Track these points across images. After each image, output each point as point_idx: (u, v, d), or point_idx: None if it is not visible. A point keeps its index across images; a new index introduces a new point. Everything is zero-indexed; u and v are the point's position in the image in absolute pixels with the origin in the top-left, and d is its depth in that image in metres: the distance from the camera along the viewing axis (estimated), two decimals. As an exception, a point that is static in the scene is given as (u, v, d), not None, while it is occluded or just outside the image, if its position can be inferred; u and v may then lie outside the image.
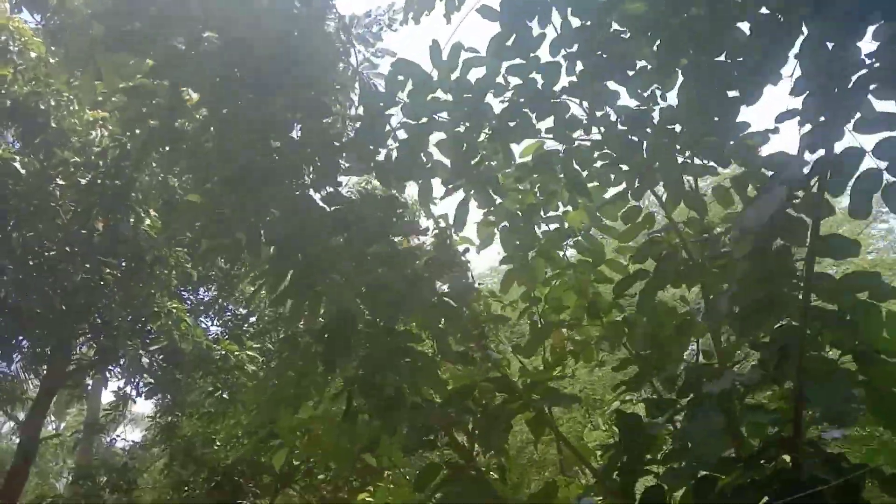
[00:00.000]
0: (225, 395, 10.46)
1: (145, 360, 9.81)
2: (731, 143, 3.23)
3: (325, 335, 3.49)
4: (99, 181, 8.52)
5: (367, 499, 9.29)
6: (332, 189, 3.65)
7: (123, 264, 9.31)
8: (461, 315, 3.35)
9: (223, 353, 10.48)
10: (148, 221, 9.38)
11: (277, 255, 3.70)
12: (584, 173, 3.94)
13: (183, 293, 11.59)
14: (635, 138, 3.59)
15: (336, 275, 3.72)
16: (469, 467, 3.14)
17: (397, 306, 3.36)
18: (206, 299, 14.54)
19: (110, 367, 11.74)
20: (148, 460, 17.44)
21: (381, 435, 3.91)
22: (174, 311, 9.59)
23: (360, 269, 3.58)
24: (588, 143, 3.79)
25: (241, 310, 14.79)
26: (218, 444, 15.53)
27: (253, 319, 14.23)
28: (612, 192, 4.05)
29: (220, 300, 14.38)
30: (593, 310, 3.99)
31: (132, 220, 9.01)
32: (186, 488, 15.42)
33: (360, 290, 3.55)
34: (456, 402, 3.19)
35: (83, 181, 8.83)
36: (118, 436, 18.16)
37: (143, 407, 23.54)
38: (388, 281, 3.52)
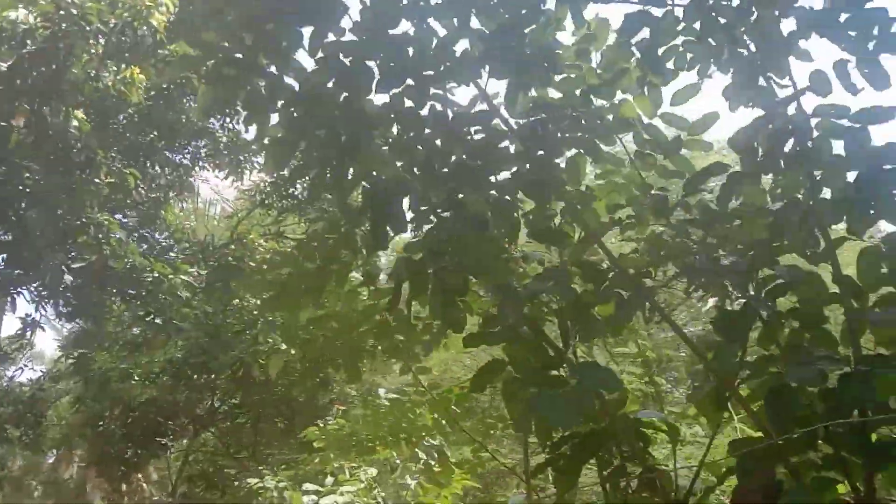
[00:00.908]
0: (158, 321, 9.55)
1: (68, 278, 8.76)
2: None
3: (372, 207, 2.86)
4: (25, 66, 7.39)
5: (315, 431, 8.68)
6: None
7: (49, 166, 8.20)
8: (543, 188, 2.77)
9: (156, 275, 9.55)
10: (77, 120, 8.29)
11: (307, 111, 3.02)
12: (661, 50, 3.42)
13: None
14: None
15: (380, 139, 3.08)
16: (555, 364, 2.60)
17: (468, 174, 2.76)
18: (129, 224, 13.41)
19: (20, 289, 10.57)
20: (55, 394, 16.18)
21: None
22: (105, 223, 8.56)
23: (413, 130, 2.96)
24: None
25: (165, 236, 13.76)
26: (136, 378, 14.55)
27: (181, 247, 13.23)
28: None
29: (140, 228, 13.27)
30: (659, 206, 3.48)
31: (62, 115, 7.92)
32: (101, 424, 14.43)
33: (415, 156, 2.93)
34: (541, 285, 2.63)
35: (3, 66, 7.65)
36: (26, 365, 16.76)
37: (43, 342, 21.93)
38: (450, 147, 2.91)
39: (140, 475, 16.41)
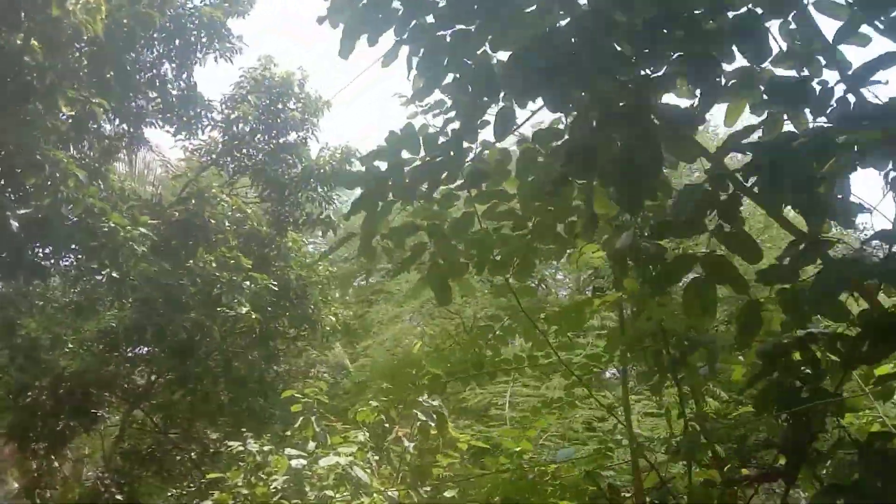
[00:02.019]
0: (115, 275, 8.70)
1: (14, 225, 7.83)
2: None
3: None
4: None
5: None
6: None
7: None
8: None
9: (112, 225, 8.69)
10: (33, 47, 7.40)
11: None
12: None
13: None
14: None
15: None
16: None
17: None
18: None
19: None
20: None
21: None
22: (63, 161, 7.67)
23: None
24: None
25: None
26: (70, 346, 13.48)
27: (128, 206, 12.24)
28: None
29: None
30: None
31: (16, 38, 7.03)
32: (29, 394, 13.30)
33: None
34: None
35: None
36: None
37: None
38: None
39: (68, 451, 15.33)
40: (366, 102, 52.98)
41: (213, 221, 11.09)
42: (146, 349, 14.29)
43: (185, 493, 11.98)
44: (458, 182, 3.06)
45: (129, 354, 14.75)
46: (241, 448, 7.01)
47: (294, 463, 6.65)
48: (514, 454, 3.53)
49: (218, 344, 13.08)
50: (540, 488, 3.29)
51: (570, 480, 3.35)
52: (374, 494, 6.08)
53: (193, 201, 11.05)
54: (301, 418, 7.76)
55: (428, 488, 7.02)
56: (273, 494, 6.76)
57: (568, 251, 3.13)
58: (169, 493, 12.68)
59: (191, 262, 10.57)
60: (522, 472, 3.44)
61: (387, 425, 7.42)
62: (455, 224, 3.11)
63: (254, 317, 11.20)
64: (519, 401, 8.66)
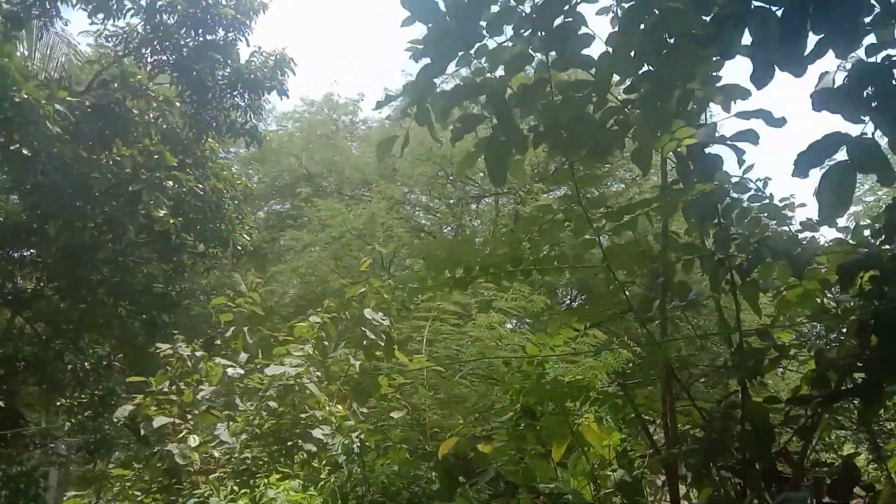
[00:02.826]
0: (26, 152, 7.66)
1: None
2: None
3: None
4: None
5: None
6: None
7: None
8: None
9: (24, 97, 7.62)
10: None
11: None
12: None
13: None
14: None
15: None
16: None
17: None
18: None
19: None
20: None
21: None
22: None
23: None
24: None
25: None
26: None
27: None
28: None
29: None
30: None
31: None
32: None
33: None
34: None
35: None
36: None
37: None
38: None
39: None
40: (308, 10, 50.45)
41: (135, 112, 10.04)
42: (34, 252, 13.08)
43: (76, 403, 11.14)
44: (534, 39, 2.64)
45: (15, 255, 13.48)
46: (169, 351, 6.40)
47: (230, 371, 6.14)
48: (536, 362, 3.23)
49: (123, 249, 12.08)
50: (566, 391, 3.02)
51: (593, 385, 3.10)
52: (327, 408, 5.70)
53: (116, 85, 9.93)
54: (232, 328, 7.23)
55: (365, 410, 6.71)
56: (199, 403, 6.26)
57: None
58: (58, 403, 11.74)
59: (105, 153, 9.54)
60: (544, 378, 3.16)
61: (326, 343, 7.00)
62: (524, 91, 2.71)
63: (171, 222, 10.32)
64: (439, 338, 8.43)
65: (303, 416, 5.62)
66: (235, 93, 13.58)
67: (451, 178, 18.04)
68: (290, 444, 5.45)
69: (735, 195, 2.72)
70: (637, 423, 3.04)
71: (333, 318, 6.93)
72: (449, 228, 20.29)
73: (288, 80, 13.70)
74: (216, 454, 5.61)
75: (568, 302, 18.69)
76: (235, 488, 4.61)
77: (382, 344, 6.52)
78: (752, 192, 2.69)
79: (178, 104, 11.13)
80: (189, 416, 6.13)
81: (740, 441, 2.67)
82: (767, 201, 2.69)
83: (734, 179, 2.77)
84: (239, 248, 14.93)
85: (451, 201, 19.27)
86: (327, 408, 5.84)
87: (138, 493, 5.71)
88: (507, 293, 12.31)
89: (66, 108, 8.35)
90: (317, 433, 5.64)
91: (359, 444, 4.66)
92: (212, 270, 16.68)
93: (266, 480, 4.54)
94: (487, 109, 2.75)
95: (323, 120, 22.21)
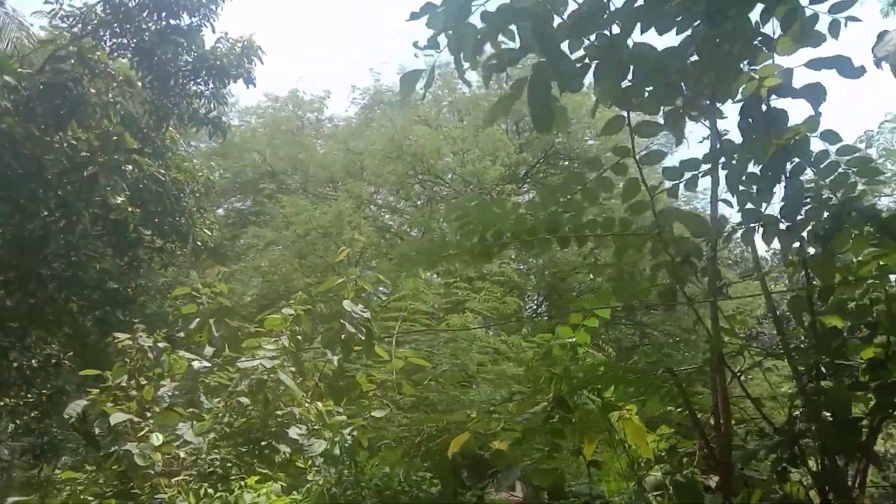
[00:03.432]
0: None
1: None
2: None
3: None
4: None
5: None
6: None
7: None
8: None
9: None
10: None
11: None
12: None
13: None
14: None
15: None
16: None
17: None
18: None
19: None
20: None
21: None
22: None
23: None
24: None
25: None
26: None
27: None
28: None
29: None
30: None
31: None
32: None
33: None
34: None
35: None
36: None
37: None
38: None
39: None
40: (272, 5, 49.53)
41: (93, 91, 9.35)
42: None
43: (21, 404, 10.37)
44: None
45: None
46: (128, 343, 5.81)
47: (196, 365, 5.60)
48: (569, 346, 2.82)
49: (76, 241, 11.32)
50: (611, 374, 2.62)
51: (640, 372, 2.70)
52: (305, 405, 5.19)
53: (72, 61, 9.24)
54: (196, 320, 6.67)
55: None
56: (159, 400, 5.70)
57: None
58: (1, 404, 10.93)
59: (60, 135, 8.85)
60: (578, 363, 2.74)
61: (299, 337, 6.49)
62: (577, 18, 2.29)
63: (129, 210, 9.65)
64: (410, 339, 8.01)
65: (279, 413, 5.09)
66: (199, 80, 12.96)
67: (420, 176, 17.59)
68: (262, 444, 4.92)
69: (822, 146, 2.34)
70: (689, 416, 2.65)
71: (307, 311, 6.42)
72: (416, 231, 19.84)
73: (255, 68, 13.14)
74: (182, 454, 5.05)
75: (534, 307, 18.38)
76: (210, 491, 4.07)
77: (363, 338, 6.04)
78: (842, 144, 2.32)
79: (139, 84, 10.44)
80: (149, 414, 5.55)
81: (821, 435, 2.28)
82: (860, 154, 2.32)
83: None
84: (199, 243, 14.20)
85: (420, 202, 18.83)
86: (305, 405, 5.33)
87: (91, 498, 5.11)
88: (479, 294, 11.92)
89: (16, 80, 7.66)
90: (293, 432, 5.13)
91: (349, 442, 4.16)
92: (169, 267, 15.96)
93: (241, 483, 4.03)
94: (530, 40, 2.32)
95: (288, 116, 21.56)
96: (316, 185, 20.15)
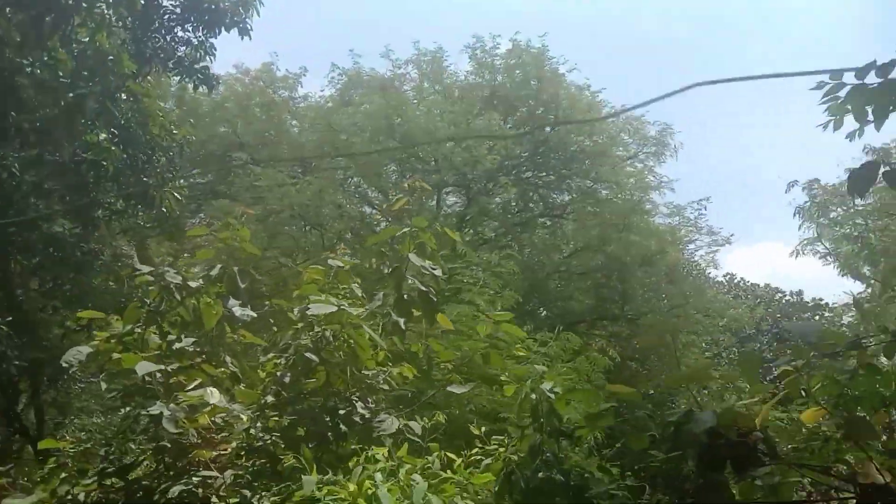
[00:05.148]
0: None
1: None
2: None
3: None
4: None
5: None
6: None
7: None
8: None
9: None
10: None
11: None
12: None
13: None
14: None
15: None
16: None
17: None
18: None
19: None
20: None
21: None
22: None
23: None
24: None
25: None
26: None
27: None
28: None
29: None
30: None
31: None
32: None
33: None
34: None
35: None
36: None
37: None
38: None
39: None
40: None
41: (84, 4, 7.91)
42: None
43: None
44: None
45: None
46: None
47: (238, 311, 4.44)
48: None
49: (25, 194, 9.75)
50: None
51: None
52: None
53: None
54: (218, 266, 5.47)
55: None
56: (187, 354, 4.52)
57: None
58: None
59: (38, 51, 7.41)
60: None
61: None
62: None
63: (111, 149, 8.25)
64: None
65: (367, 372, 3.98)
66: (188, 25, 11.58)
67: (412, 160, 16.53)
68: (340, 411, 3.80)
69: None
70: None
71: (360, 265, 5.33)
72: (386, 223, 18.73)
73: (253, 18, 11.80)
74: (219, 422, 3.86)
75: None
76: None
77: (434, 298, 4.96)
78: None
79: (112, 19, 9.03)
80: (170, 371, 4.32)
81: None
82: None
83: None
84: (164, 210, 12.70)
85: (402, 190, 17.73)
86: (387, 367, 4.23)
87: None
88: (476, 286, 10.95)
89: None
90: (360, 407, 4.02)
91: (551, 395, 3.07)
92: (127, 233, 14.43)
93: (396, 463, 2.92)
94: None
95: (260, 90, 20.16)
96: (287, 164, 18.81)
